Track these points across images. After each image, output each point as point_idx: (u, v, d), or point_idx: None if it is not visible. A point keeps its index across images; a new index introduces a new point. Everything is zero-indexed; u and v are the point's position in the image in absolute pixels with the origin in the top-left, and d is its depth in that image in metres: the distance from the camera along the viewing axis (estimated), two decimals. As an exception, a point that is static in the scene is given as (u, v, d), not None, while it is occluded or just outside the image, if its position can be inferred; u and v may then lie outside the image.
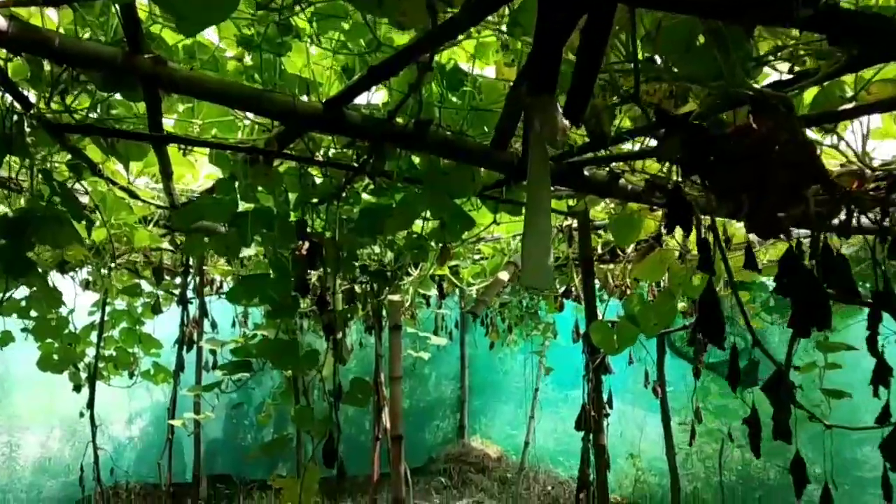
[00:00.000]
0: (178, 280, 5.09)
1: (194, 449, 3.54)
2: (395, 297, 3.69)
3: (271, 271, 2.29)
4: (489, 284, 2.54)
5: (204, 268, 3.62)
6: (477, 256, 3.99)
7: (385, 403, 4.73)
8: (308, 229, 2.32)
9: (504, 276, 2.49)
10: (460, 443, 9.18)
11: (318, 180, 2.44)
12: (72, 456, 7.31)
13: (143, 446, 7.43)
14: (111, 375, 5.25)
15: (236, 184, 2.16)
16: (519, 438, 8.96)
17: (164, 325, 5.44)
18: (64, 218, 2.02)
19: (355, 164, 2.10)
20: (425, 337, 3.70)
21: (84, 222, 2.00)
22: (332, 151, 2.12)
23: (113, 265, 3.03)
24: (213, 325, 4.27)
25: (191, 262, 3.45)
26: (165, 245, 2.87)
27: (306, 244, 2.22)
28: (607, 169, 2.07)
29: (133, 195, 2.58)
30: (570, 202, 3.00)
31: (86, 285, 4.52)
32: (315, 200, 2.40)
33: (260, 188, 2.29)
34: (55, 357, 4.62)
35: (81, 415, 5.19)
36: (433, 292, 3.39)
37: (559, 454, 8.18)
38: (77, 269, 4.43)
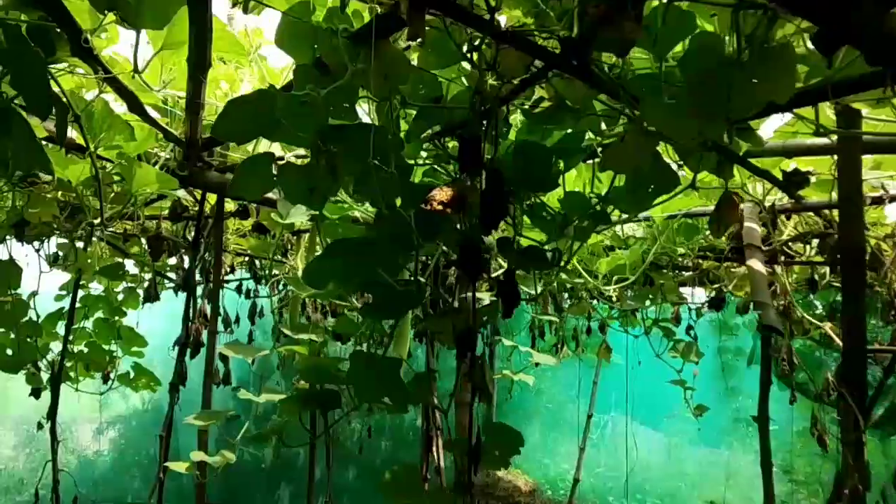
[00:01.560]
0: (171, 261, 4.18)
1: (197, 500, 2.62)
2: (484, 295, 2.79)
3: (376, 234, 1.38)
4: (754, 282, 1.65)
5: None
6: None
7: (438, 434, 3.84)
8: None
9: (758, 265, 1.60)
10: (484, 471, 8.25)
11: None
12: (28, 467, 6.36)
13: (114, 461, 6.47)
14: (80, 378, 4.37)
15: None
16: (553, 470, 8.10)
17: (148, 319, 4.55)
18: (8, 110, 1.12)
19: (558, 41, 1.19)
20: (525, 353, 2.80)
21: (54, 114, 1.08)
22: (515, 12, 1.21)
23: (98, 222, 2.10)
24: (228, 323, 3.34)
25: (202, 232, 2.53)
26: (181, 193, 1.96)
27: (452, 190, 1.31)
28: None
29: (137, 107, 1.66)
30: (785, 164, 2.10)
31: (54, 260, 3.59)
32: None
33: (363, 91, 1.38)
34: (9, 352, 3.73)
35: (40, 426, 4.30)
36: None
37: (606, 492, 7.26)
38: (44, 237, 3.51)
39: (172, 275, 3.73)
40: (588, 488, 7.36)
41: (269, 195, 2.59)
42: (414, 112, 1.58)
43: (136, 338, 4.41)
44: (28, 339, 3.78)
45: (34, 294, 3.58)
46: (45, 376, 4.14)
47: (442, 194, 1.37)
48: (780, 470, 5.02)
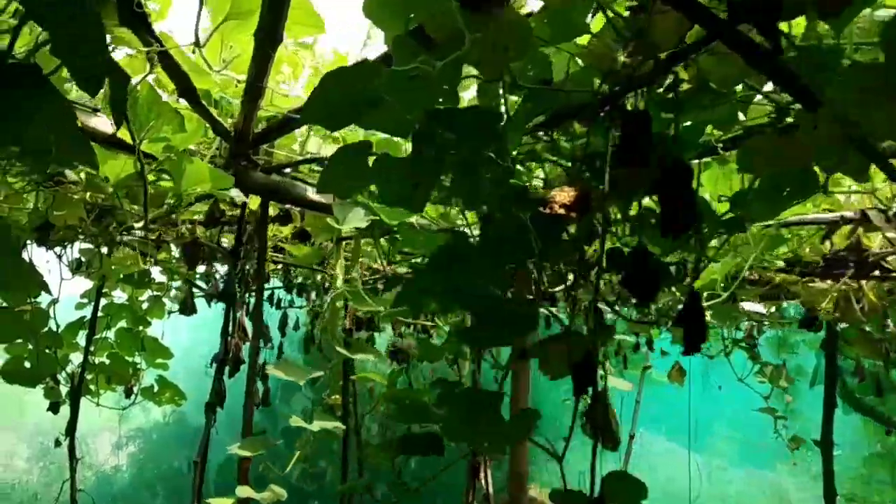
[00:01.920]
0: (200, 268, 3.97)
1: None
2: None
3: (479, 246, 1.14)
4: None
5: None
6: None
7: (487, 460, 3.62)
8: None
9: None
10: (509, 491, 7.96)
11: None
12: (42, 482, 6.17)
13: (133, 477, 6.26)
14: (101, 391, 4.15)
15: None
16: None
17: (173, 329, 4.34)
18: (47, 86, 0.89)
19: None
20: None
21: (103, 88, 0.85)
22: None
23: (140, 226, 1.89)
24: (267, 339, 3.11)
25: (244, 233, 2.31)
26: (235, 193, 1.73)
27: (574, 190, 1.08)
28: None
29: (189, 92, 1.44)
30: None
31: (76, 266, 3.38)
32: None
33: (473, 70, 1.15)
34: (27, 364, 3.52)
35: (58, 443, 4.09)
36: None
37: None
38: (67, 242, 3.30)
39: (202, 283, 3.51)
40: (626, 512, 7.06)
41: (317, 198, 2.37)
42: (516, 99, 1.35)
43: (161, 349, 4.19)
44: (47, 351, 3.57)
45: (54, 302, 3.38)
46: (63, 389, 3.93)
47: (563, 195, 1.14)
48: (843, 498, 4.72)
